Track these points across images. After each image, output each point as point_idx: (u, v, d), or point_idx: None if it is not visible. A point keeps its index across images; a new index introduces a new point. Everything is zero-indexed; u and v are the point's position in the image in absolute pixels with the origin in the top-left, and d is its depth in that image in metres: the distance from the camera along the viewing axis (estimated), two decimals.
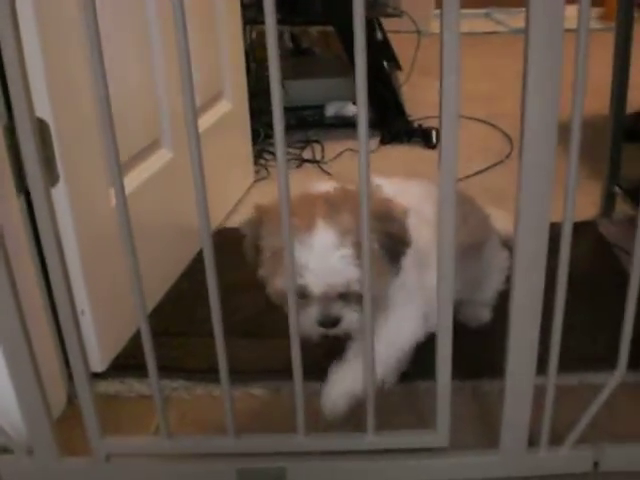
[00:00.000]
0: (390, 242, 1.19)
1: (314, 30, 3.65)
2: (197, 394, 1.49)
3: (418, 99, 3.21)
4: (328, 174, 2.62)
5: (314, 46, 3.64)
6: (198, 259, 1.87)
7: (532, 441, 1.20)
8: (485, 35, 4.87)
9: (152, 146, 1.74)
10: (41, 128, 1.24)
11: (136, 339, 1.18)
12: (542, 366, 1.13)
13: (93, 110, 0.99)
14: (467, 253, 1.31)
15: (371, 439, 1.20)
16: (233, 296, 1.65)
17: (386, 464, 1.24)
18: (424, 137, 2.90)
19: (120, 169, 1.00)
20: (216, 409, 1.28)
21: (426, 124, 2.98)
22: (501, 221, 1.56)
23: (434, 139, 2.85)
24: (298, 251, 1.12)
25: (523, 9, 0.91)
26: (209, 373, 1.31)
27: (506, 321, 1.10)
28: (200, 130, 0.99)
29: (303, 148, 2.86)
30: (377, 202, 1.15)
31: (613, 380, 1.17)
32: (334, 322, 1.20)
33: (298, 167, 2.71)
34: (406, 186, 1.34)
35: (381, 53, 3.19)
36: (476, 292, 1.57)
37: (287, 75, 3.05)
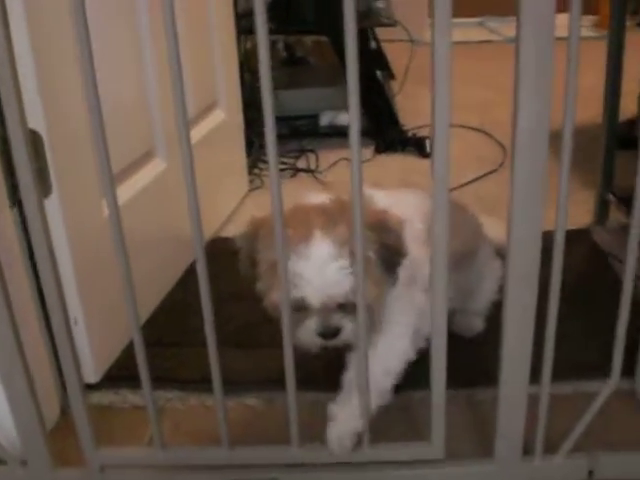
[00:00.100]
0: (386, 253, 1.18)
1: (308, 39, 3.66)
2: (191, 404, 1.49)
3: (412, 108, 3.22)
4: (323, 183, 2.62)
5: (308, 55, 3.65)
6: (192, 269, 1.86)
7: (527, 450, 1.20)
8: (479, 44, 4.89)
9: (146, 156, 1.74)
10: (34, 139, 1.25)
11: (130, 350, 1.18)
12: (536, 375, 1.13)
13: (86, 120, 0.98)
14: (459, 262, 1.31)
15: (366, 452, 1.20)
16: (227, 306, 1.65)
17: (381, 476, 1.24)
18: (418, 146, 2.90)
19: (113, 180, 1.00)
20: (210, 419, 1.28)
21: (420, 133, 2.98)
22: (494, 230, 1.56)
23: (428, 148, 2.85)
24: (295, 263, 1.11)
25: None
26: (202, 383, 1.31)
27: (499, 330, 1.10)
28: (194, 140, 0.99)
29: (297, 157, 2.86)
30: (373, 213, 1.15)
31: (607, 388, 1.17)
32: (334, 333, 1.19)
33: (292, 177, 2.72)
34: (396, 197, 1.34)
35: (375, 62, 3.20)
36: (469, 301, 1.57)
37: (281, 84, 3.06)
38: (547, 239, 1.03)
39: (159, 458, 1.22)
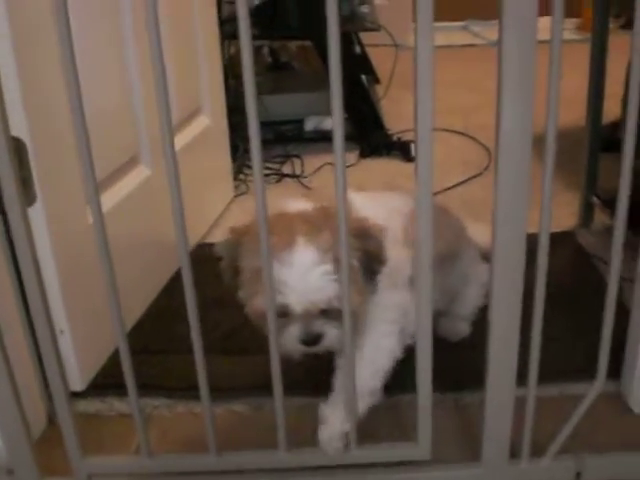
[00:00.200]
0: (367, 260, 1.19)
1: (293, 45, 3.66)
2: (178, 412, 1.48)
3: (397, 112, 3.22)
4: (308, 188, 2.62)
5: (293, 60, 3.65)
6: (178, 275, 1.85)
7: (514, 453, 1.20)
8: (463, 47, 4.90)
9: (130, 163, 1.74)
10: (18, 147, 1.24)
11: (116, 357, 1.17)
12: (522, 378, 1.13)
13: (70, 127, 0.98)
14: (442, 263, 1.31)
15: (353, 453, 1.20)
16: (213, 312, 1.65)
17: (369, 478, 1.23)
18: (403, 150, 2.91)
19: (96, 187, 0.99)
20: (197, 426, 1.28)
21: (405, 137, 2.99)
22: (480, 234, 1.56)
23: (413, 152, 2.85)
24: (278, 269, 1.11)
25: None
26: (190, 390, 1.31)
27: (486, 332, 1.10)
28: (179, 146, 0.99)
29: (283, 163, 2.85)
30: (354, 220, 1.16)
31: (593, 390, 1.17)
32: (316, 339, 1.19)
33: (278, 182, 2.71)
34: (375, 200, 1.34)
35: (359, 67, 3.21)
36: (454, 305, 1.58)
37: (266, 89, 3.05)
38: (532, 241, 1.03)
39: (146, 466, 1.21)
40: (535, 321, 1.09)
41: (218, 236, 2.16)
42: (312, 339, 1.19)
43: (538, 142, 0.96)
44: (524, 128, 0.95)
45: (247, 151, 2.67)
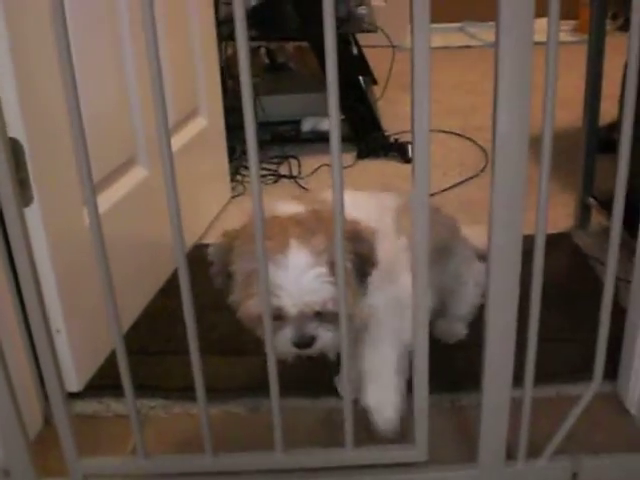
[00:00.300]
0: (359, 262, 1.19)
1: (290, 45, 3.66)
2: (175, 413, 1.48)
3: (394, 113, 3.23)
4: (305, 189, 2.62)
5: (290, 61, 3.65)
6: (175, 276, 1.85)
7: (510, 454, 1.20)
8: (460, 49, 4.90)
9: (127, 164, 1.74)
10: (15, 148, 1.24)
11: (113, 358, 1.17)
12: (519, 379, 1.14)
13: (67, 128, 0.98)
14: (434, 258, 1.32)
15: (350, 454, 1.19)
16: (209, 313, 1.64)
17: (365, 479, 1.23)
18: (400, 151, 2.91)
19: (93, 188, 0.99)
20: (194, 427, 1.28)
21: (402, 138, 2.98)
22: (477, 235, 1.56)
23: (410, 153, 2.86)
24: (273, 272, 1.12)
25: None
26: (186, 391, 1.30)
27: (482, 334, 1.10)
28: (176, 147, 0.99)
29: (280, 164, 2.85)
30: (347, 223, 1.16)
31: (589, 391, 1.18)
32: (309, 342, 1.20)
33: (275, 183, 2.71)
34: (365, 200, 1.35)
35: (356, 68, 3.20)
36: (450, 305, 1.58)
37: (263, 90, 3.05)
38: (528, 242, 1.03)
39: (143, 467, 1.21)
40: (531, 322, 1.09)
41: (215, 237, 2.15)
42: (305, 342, 1.19)
43: (535, 143, 0.96)
44: (521, 129, 0.95)
45: (244, 152, 2.67)
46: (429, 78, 0.90)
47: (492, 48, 0.94)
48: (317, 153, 2.85)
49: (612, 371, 1.39)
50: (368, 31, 3.10)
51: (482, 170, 2.68)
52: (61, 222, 1.42)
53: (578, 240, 2.10)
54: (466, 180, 2.62)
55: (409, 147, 2.87)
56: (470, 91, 3.69)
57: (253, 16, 2.80)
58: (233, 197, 2.54)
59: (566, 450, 1.21)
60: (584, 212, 2.16)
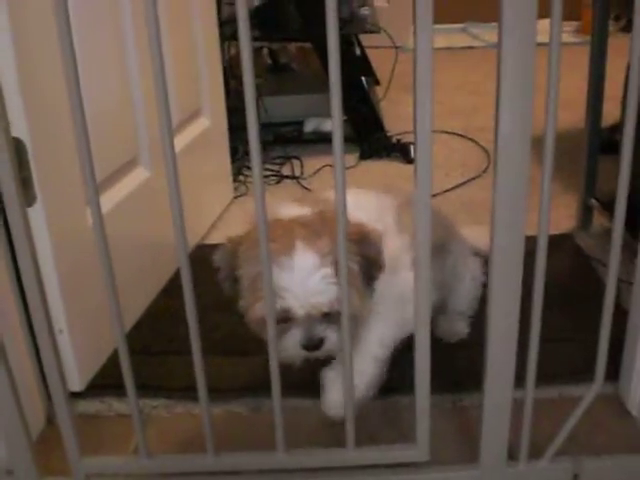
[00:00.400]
0: (366, 265, 1.19)
1: (292, 46, 3.66)
2: (177, 412, 1.48)
3: (397, 114, 3.23)
4: (307, 190, 2.62)
5: (292, 62, 3.65)
6: (177, 276, 1.86)
7: (512, 455, 1.20)
8: (463, 50, 4.90)
9: (130, 164, 1.74)
10: (18, 148, 1.24)
11: (115, 357, 1.17)
12: (520, 379, 1.14)
13: (70, 128, 0.98)
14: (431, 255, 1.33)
15: (352, 455, 1.19)
16: (212, 313, 1.64)
17: (367, 479, 1.24)
18: (403, 152, 2.91)
19: (96, 188, 0.99)
20: (196, 427, 1.28)
21: (405, 139, 2.99)
22: (479, 236, 1.56)
23: (412, 154, 2.86)
24: (279, 274, 1.12)
25: None
26: (188, 391, 1.31)
27: (483, 334, 1.10)
28: (178, 147, 0.99)
29: (282, 164, 2.85)
30: (353, 225, 1.16)
31: (591, 392, 1.17)
32: (317, 344, 1.20)
33: (277, 183, 2.72)
34: (364, 199, 1.35)
35: (359, 69, 3.20)
36: (450, 301, 1.58)
37: (265, 91, 3.05)
38: (530, 243, 1.03)
39: (145, 466, 1.21)
40: (533, 323, 1.09)
41: (217, 237, 2.16)
42: (314, 343, 1.19)
43: (537, 144, 0.96)
44: (523, 130, 0.95)
45: (247, 153, 2.67)
46: (432, 79, 0.91)
47: (495, 49, 0.94)
48: (319, 154, 2.85)
49: (614, 372, 1.39)
50: (371, 32, 3.10)
51: (484, 171, 2.68)
52: (64, 222, 1.42)
53: (580, 241, 2.10)
54: (468, 181, 2.62)
55: (411, 148, 2.87)
56: (473, 92, 3.69)
57: (256, 16, 2.80)
58: (235, 197, 2.54)
59: (567, 451, 1.20)
60: (586, 213, 2.16)
